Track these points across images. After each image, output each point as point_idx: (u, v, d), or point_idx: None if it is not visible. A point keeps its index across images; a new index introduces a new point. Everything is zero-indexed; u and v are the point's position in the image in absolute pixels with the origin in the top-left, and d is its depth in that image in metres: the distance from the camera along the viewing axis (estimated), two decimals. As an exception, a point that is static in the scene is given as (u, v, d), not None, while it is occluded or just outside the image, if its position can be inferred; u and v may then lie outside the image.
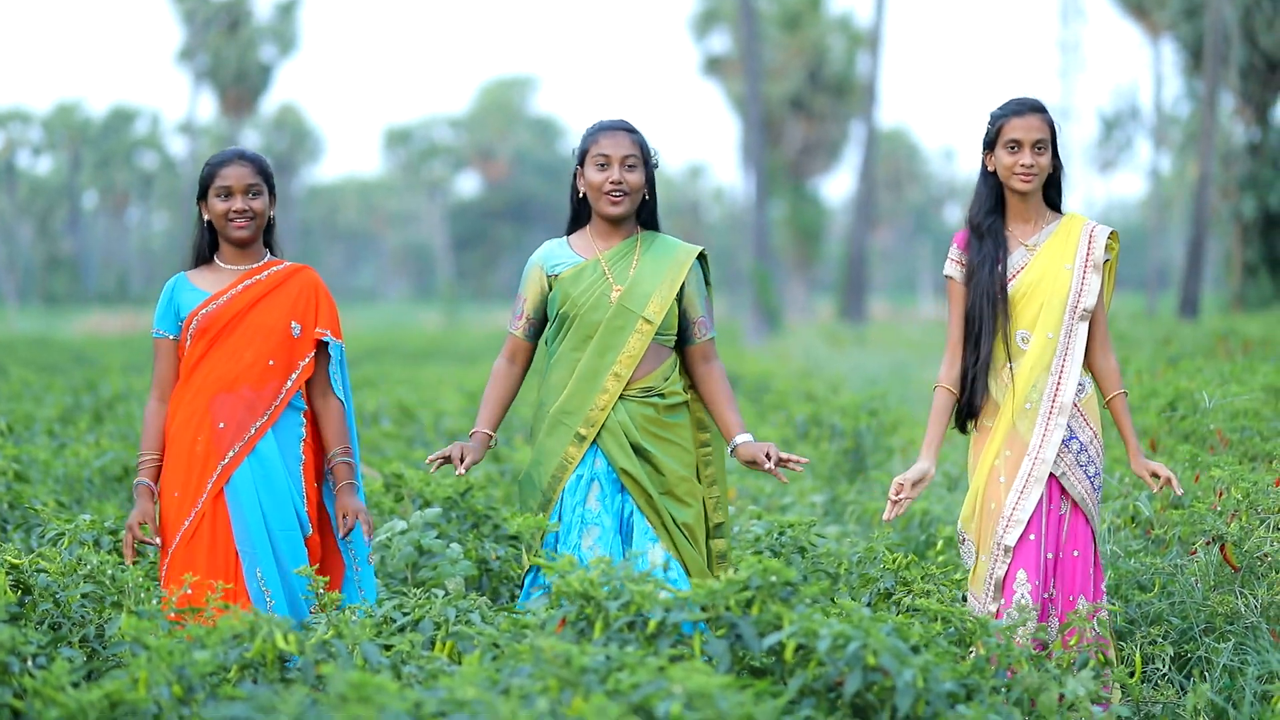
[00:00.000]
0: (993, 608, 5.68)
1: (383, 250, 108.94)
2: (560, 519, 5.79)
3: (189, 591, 5.34)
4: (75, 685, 4.77)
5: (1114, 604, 5.83)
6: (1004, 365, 5.82)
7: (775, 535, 6.66)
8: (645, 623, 4.50)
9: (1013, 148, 5.80)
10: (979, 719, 4.28)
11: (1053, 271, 5.79)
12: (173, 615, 5.15)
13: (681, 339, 5.91)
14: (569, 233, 5.99)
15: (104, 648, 5.21)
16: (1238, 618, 6.23)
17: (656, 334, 5.78)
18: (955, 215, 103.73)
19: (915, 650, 4.50)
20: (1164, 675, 6.01)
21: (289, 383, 5.81)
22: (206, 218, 5.87)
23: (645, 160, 5.84)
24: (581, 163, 5.86)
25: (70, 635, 5.23)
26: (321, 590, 5.40)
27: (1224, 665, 5.93)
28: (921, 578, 6.07)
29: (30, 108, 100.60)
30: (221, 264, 5.89)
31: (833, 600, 5.03)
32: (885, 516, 5.83)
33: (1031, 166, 5.78)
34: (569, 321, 5.84)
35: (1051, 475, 5.75)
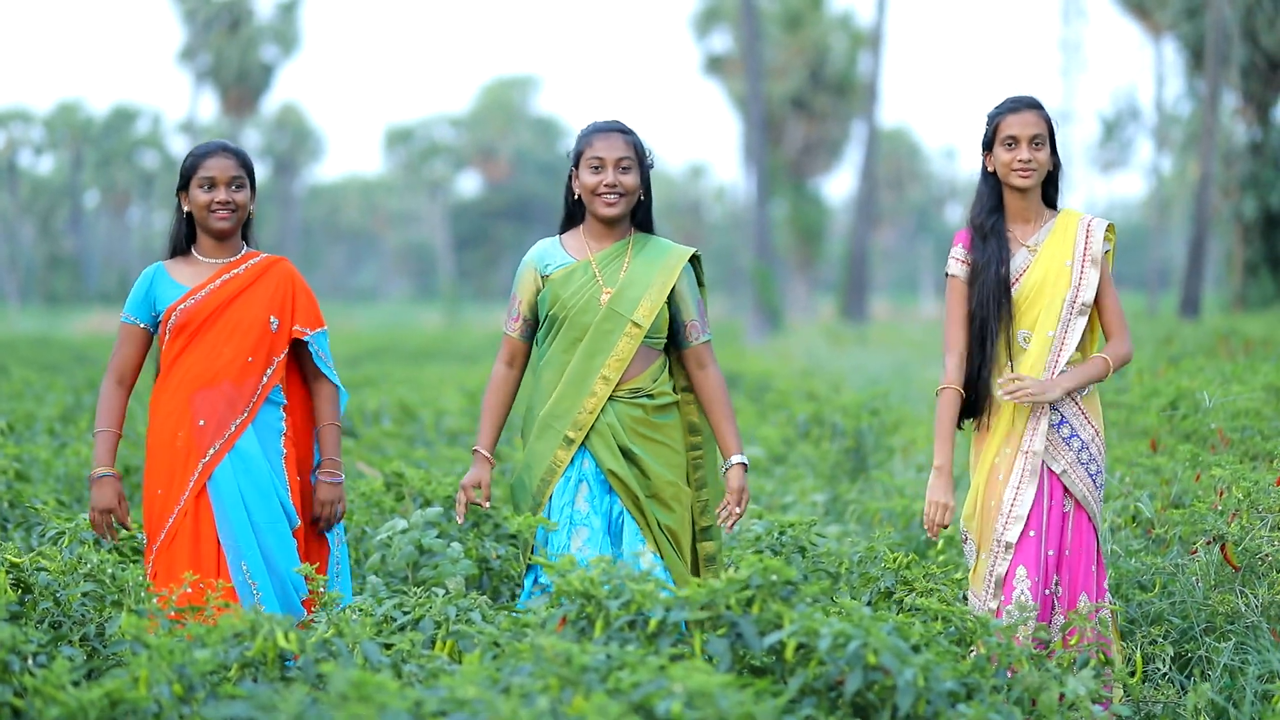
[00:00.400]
0: (993, 605, 5.68)
1: (384, 250, 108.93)
2: (554, 519, 5.81)
3: (188, 590, 5.34)
4: (76, 684, 4.77)
5: (1115, 603, 5.83)
6: (1005, 365, 5.82)
7: (776, 534, 6.66)
8: (646, 622, 4.50)
9: (1010, 144, 5.80)
10: (979, 718, 4.27)
11: (1055, 271, 5.79)
12: (172, 614, 5.15)
13: (674, 342, 5.90)
14: (562, 231, 5.99)
15: (104, 646, 5.20)
16: (1238, 617, 6.23)
17: (646, 337, 5.78)
18: (956, 215, 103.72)
19: (916, 649, 4.50)
20: (1164, 675, 6.01)
21: (265, 378, 5.82)
22: (186, 209, 5.88)
23: (640, 162, 5.83)
24: (576, 164, 5.84)
25: (71, 634, 5.22)
26: (320, 588, 5.40)
27: (1225, 665, 5.93)
28: (923, 577, 6.07)
29: (32, 107, 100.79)
30: (199, 257, 5.90)
31: (833, 599, 5.03)
32: (933, 535, 5.87)
33: (1029, 162, 5.78)
34: (559, 323, 5.84)
35: (1053, 473, 5.75)
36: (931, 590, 5.96)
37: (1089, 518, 5.77)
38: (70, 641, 5.17)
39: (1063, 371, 5.77)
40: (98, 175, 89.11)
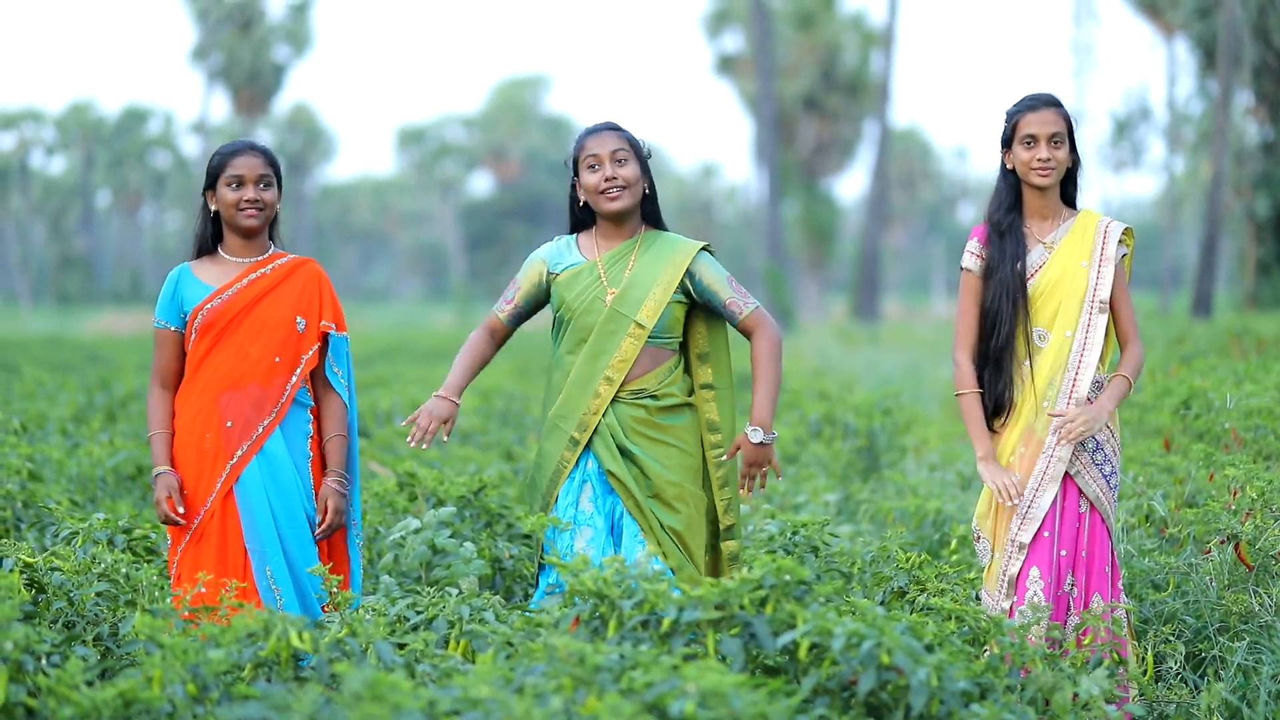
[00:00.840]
0: (1006, 605, 5.67)
1: (395, 250, 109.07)
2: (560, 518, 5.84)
3: (202, 590, 5.34)
4: (89, 684, 4.78)
5: (1129, 604, 5.81)
6: (1022, 362, 5.81)
7: (789, 534, 6.66)
8: (659, 621, 4.50)
9: (1029, 143, 5.79)
10: (993, 718, 4.27)
11: (1071, 269, 5.78)
12: (185, 614, 5.16)
13: (728, 320, 5.88)
14: (572, 231, 6.00)
15: (118, 646, 5.21)
16: (1252, 617, 6.22)
17: (651, 338, 5.77)
18: (968, 214, 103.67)
19: (929, 649, 4.50)
20: (1178, 674, 6.01)
21: (294, 378, 5.80)
22: (213, 208, 5.87)
23: (637, 154, 5.83)
24: (576, 171, 5.85)
25: (84, 634, 5.23)
26: (335, 589, 5.41)
27: (1238, 664, 5.92)
28: (936, 576, 6.07)
29: (44, 107, 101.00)
30: (226, 256, 5.88)
31: (846, 599, 5.03)
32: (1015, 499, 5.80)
33: (1048, 160, 5.77)
34: (565, 325, 5.87)
35: (1068, 475, 5.74)
36: (945, 590, 5.96)
37: (1103, 519, 5.76)
38: (84, 641, 5.17)
39: (1096, 381, 5.76)
40: (109, 175, 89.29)
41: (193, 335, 5.79)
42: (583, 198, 5.85)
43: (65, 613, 5.31)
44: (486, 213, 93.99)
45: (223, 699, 4.32)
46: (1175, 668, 5.98)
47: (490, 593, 6.05)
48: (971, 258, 5.94)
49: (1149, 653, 5.92)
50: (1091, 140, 58.03)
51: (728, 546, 5.91)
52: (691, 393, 5.89)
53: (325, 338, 5.87)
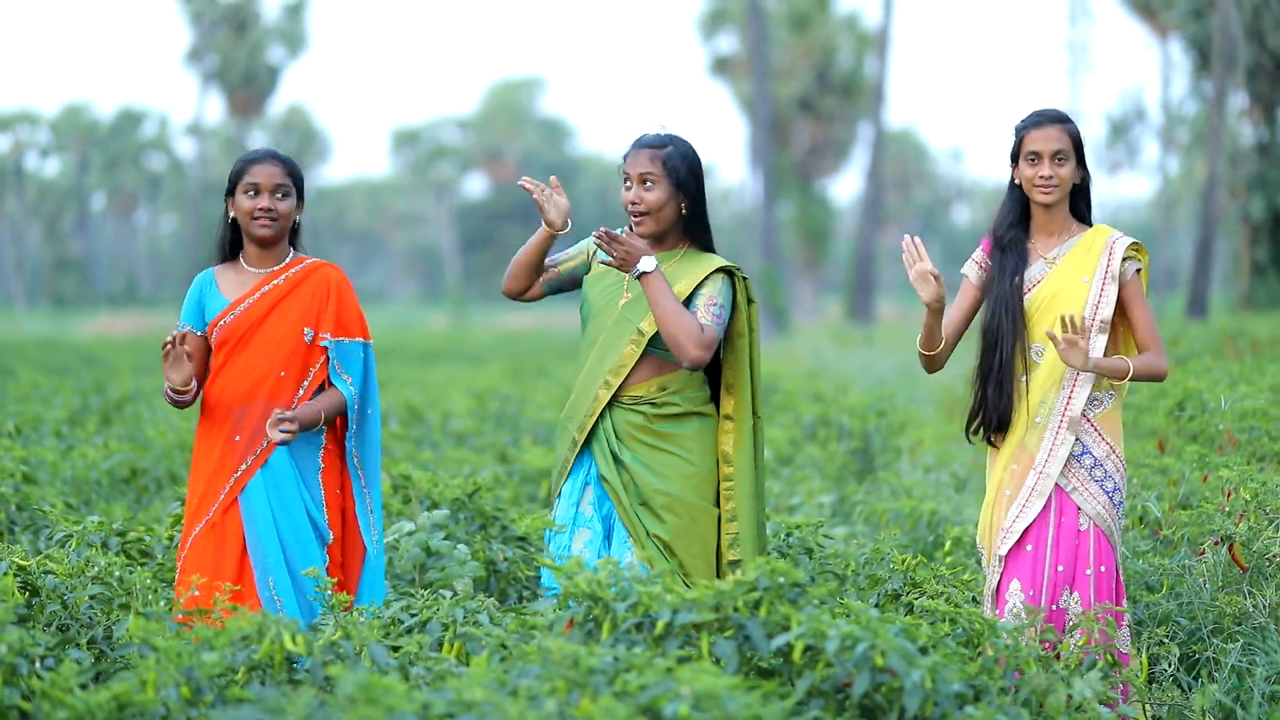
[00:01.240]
0: (990, 616, 5.68)
1: (390, 251, 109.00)
2: (559, 519, 5.87)
3: (195, 593, 5.34)
4: (83, 687, 4.78)
5: (1125, 607, 5.81)
6: (1019, 378, 5.81)
7: (783, 536, 6.66)
8: (653, 624, 4.50)
9: (1033, 159, 5.77)
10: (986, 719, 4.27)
11: (1069, 285, 5.76)
12: (180, 617, 5.16)
13: None
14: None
15: (112, 649, 5.21)
16: (1246, 618, 6.22)
17: (656, 348, 5.76)
18: (963, 215, 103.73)
19: (924, 651, 4.50)
20: (1172, 676, 6.01)
21: (301, 390, 5.81)
22: (232, 214, 5.88)
23: (670, 176, 5.77)
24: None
25: (78, 637, 5.23)
26: (329, 591, 5.41)
27: (1232, 666, 5.92)
28: (931, 579, 6.07)
29: (38, 109, 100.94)
30: (245, 265, 5.90)
31: (841, 601, 5.03)
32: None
33: (1051, 178, 5.75)
34: (585, 323, 5.90)
35: (1063, 490, 5.73)
36: (939, 592, 5.96)
37: (1106, 536, 5.73)
38: (78, 644, 5.17)
39: (1093, 398, 5.75)
40: (104, 177, 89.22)
41: (211, 346, 5.83)
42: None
43: (59, 616, 5.31)
44: (481, 214, 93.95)
45: (217, 702, 4.32)
46: (1169, 669, 5.98)
47: (485, 595, 6.05)
48: (973, 265, 5.95)
49: (1143, 654, 5.92)
50: (1086, 141, 58.07)
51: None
52: (705, 404, 5.86)
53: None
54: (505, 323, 60.80)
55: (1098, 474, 5.72)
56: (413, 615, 5.20)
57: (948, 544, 7.50)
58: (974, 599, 6.00)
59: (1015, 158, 5.85)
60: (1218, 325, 22.73)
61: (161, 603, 5.43)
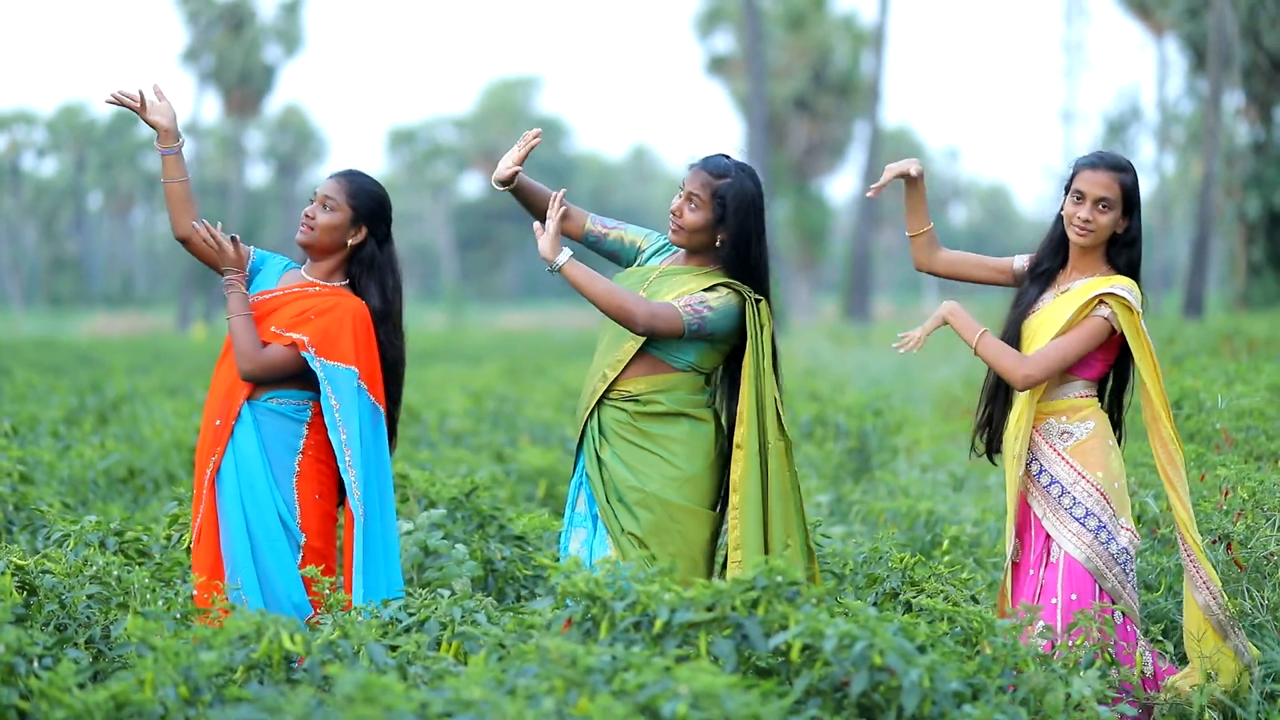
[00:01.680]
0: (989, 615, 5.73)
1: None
2: (564, 519, 5.95)
3: (193, 592, 5.36)
4: (81, 686, 4.78)
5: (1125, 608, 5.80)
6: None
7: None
8: (651, 623, 4.50)
9: (1078, 198, 5.74)
10: (985, 718, 4.28)
11: (1058, 316, 5.74)
12: (200, 616, 5.21)
13: None
14: None
15: (110, 649, 5.22)
16: (1244, 617, 6.22)
17: (654, 347, 5.76)
18: (959, 215, 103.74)
19: (921, 650, 4.51)
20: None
21: (293, 395, 5.84)
22: None
23: (716, 208, 5.77)
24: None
25: (76, 636, 5.23)
26: (324, 593, 5.41)
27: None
28: (928, 577, 6.07)
29: (35, 109, 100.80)
30: (302, 272, 6.02)
31: (838, 600, 5.03)
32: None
33: (1089, 222, 5.69)
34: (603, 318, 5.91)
35: (1038, 519, 5.77)
36: (937, 591, 5.96)
37: (1084, 567, 5.68)
38: (76, 644, 5.17)
39: (1065, 432, 5.76)
40: (101, 177, 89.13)
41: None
42: None
43: (57, 615, 5.31)
44: (478, 214, 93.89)
45: (215, 701, 4.32)
46: (1166, 668, 5.98)
47: (483, 594, 6.06)
48: (1023, 260, 5.97)
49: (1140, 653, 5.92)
50: (1082, 140, 58.01)
51: None
52: (698, 408, 5.85)
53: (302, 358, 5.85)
54: (502, 322, 60.79)
55: (1066, 501, 5.71)
56: (411, 614, 5.21)
57: (945, 543, 7.50)
58: (973, 598, 6.01)
59: (1066, 188, 5.81)
60: (1214, 324, 22.74)
61: (160, 602, 5.43)
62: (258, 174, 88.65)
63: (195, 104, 66.76)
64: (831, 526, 9.08)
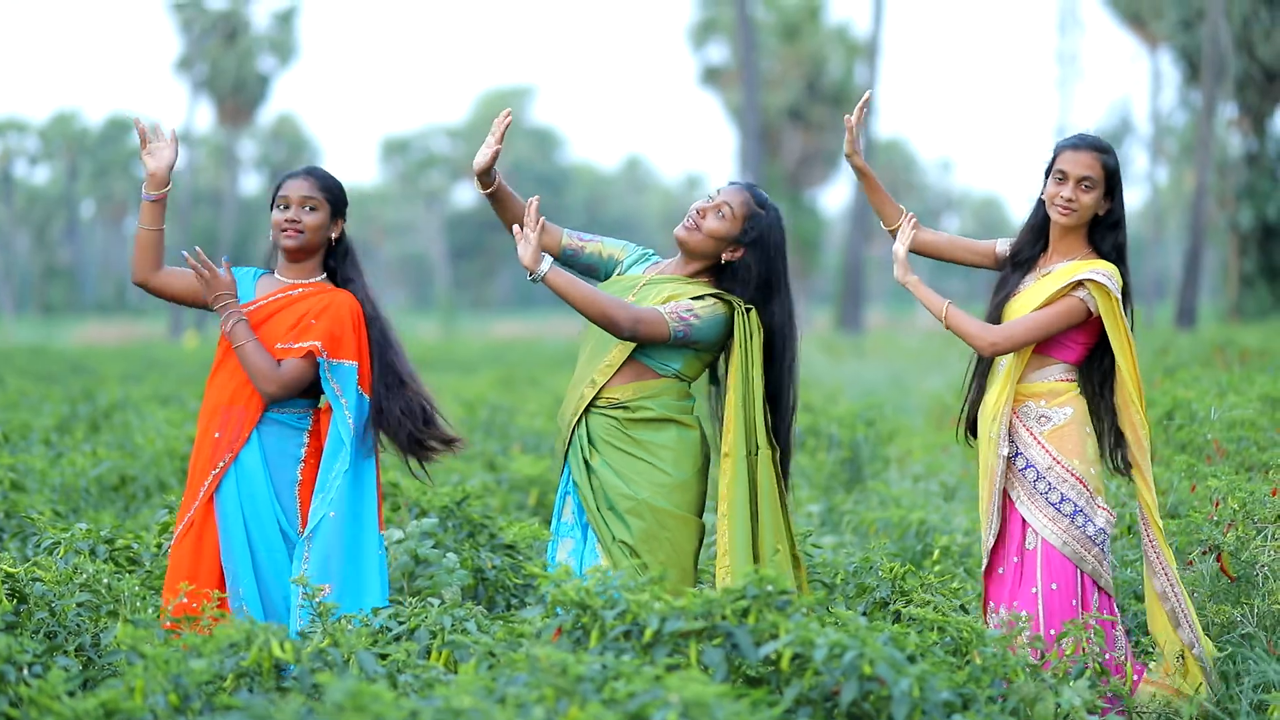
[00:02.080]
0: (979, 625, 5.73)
1: (380, 260, 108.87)
2: (551, 529, 5.93)
3: (184, 600, 5.35)
4: (71, 694, 4.77)
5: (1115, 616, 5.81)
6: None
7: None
8: (641, 632, 4.50)
9: (1060, 178, 5.75)
10: (975, 728, 4.28)
11: (1037, 297, 5.75)
12: (168, 624, 5.17)
13: None
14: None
15: (100, 656, 5.21)
16: (1234, 627, 6.23)
17: (642, 354, 5.77)
18: (952, 226, 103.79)
19: (911, 659, 4.51)
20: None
21: (290, 406, 5.84)
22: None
23: (745, 231, 5.81)
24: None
25: (66, 644, 5.22)
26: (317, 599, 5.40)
27: (1220, 674, 5.93)
28: (919, 587, 6.08)
29: (27, 117, 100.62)
30: (276, 275, 5.99)
31: (829, 610, 5.03)
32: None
33: (1071, 201, 5.71)
34: (586, 325, 5.88)
35: (1013, 504, 5.77)
36: (927, 601, 5.96)
37: (1061, 553, 5.70)
38: (66, 651, 5.16)
39: (1043, 416, 5.76)
40: (93, 185, 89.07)
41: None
42: None
43: (47, 623, 5.30)
44: (471, 223, 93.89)
45: (205, 709, 4.32)
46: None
47: (473, 603, 6.06)
48: (1005, 245, 6.00)
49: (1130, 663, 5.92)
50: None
51: None
52: (685, 414, 5.85)
53: (317, 363, 5.84)
54: (495, 331, 60.77)
55: (1041, 486, 5.72)
56: (401, 623, 5.21)
57: (936, 553, 7.50)
58: (962, 607, 6.01)
59: (1047, 172, 5.82)
60: (1206, 335, 22.77)
61: (150, 610, 5.43)
62: (251, 183, 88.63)
63: (189, 113, 66.72)
64: (823, 536, 9.08)
